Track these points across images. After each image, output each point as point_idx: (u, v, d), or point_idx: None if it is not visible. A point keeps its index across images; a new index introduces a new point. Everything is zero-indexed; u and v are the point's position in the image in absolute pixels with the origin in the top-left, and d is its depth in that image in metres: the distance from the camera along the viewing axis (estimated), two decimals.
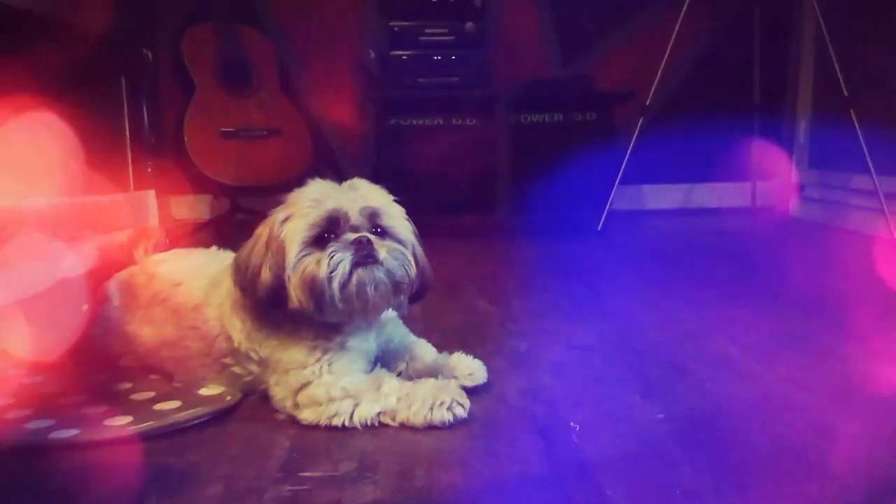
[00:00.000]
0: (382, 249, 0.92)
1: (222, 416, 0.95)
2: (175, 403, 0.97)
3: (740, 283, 1.77)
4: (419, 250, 0.98)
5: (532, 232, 2.57)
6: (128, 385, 1.05)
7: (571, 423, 0.91)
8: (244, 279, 0.95)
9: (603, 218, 2.49)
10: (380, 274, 0.91)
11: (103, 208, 1.44)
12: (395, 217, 0.97)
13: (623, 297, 1.63)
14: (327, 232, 0.92)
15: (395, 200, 0.98)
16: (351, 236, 0.91)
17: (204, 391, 1.01)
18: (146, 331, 1.07)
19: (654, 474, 0.78)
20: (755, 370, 1.10)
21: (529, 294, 1.65)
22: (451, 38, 2.57)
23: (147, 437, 0.89)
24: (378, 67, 2.75)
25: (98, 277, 1.18)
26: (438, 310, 1.49)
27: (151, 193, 1.62)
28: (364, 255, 0.90)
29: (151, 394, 1.01)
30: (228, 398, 0.99)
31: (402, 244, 0.95)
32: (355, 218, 0.93)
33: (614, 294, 1.66)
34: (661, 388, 1.04)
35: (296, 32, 2.96)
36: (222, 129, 2.63)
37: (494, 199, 2.53)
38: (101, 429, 0.90)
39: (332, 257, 0.89)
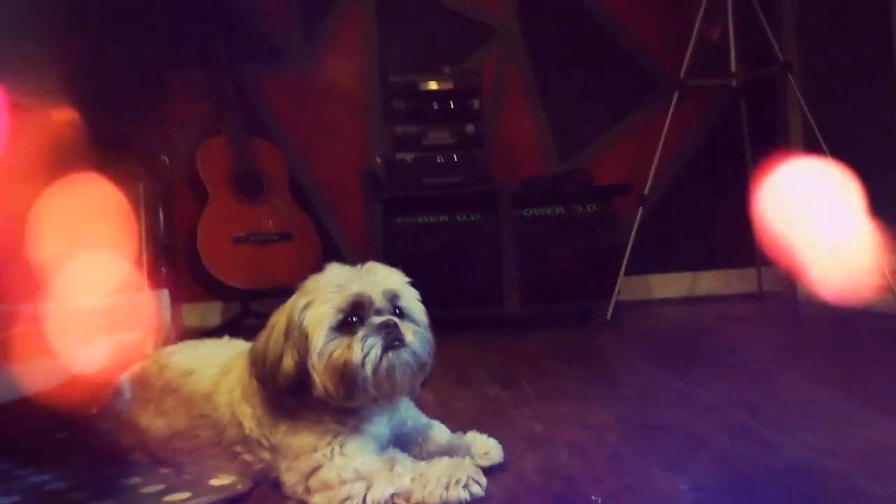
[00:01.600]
0: (408, 332, 0.93)
1: None
2: (185, 495, 0.95)
3: (754, 363, 1.74)
4: (430, 332, 0.99)
5: (540, 323, 2.56)
6: (137, 479, 1.03)
7: (592, 497, 0.88)
8: (262, 370, 0.93)
9: (611, 307, 2.49)
10: (407, 357, 0.92)
11: (118, 308, 1.47)
12: (412, 299, 0.98)
13: (636, 379, 1.60)
14: (352, 316, 0.92)
15: (410, 283, 1.00)
16: (377, 320, 0.92)
17: (214, 481, 0.99)
18: (158, 422, 1.06)
19: None
20: (778, 439, 1.07)
21: (541, 379, 1.63)
22: (453, 140, 2.68)
23: None
24: (383, 170, 2.86)
25: (109, 375, 1.19)
26: (451, 396, 1.47)
27: (165, 293, 1.66)
28: (393, 339, 0.91)
29: (160, 486, 0.99)
30: (239, 487, 0.96)
31: (420, 325, 0.96)
32: (379, 301, 0.94)
33: (627, 377, 1.64)
34: (682, 459, 1.01)
35: (303, 139, 3.09)
36: (234, 234, 2.71)
37: (502, 292, 2.55)
38: None
39: (365, 342, 0.90)
